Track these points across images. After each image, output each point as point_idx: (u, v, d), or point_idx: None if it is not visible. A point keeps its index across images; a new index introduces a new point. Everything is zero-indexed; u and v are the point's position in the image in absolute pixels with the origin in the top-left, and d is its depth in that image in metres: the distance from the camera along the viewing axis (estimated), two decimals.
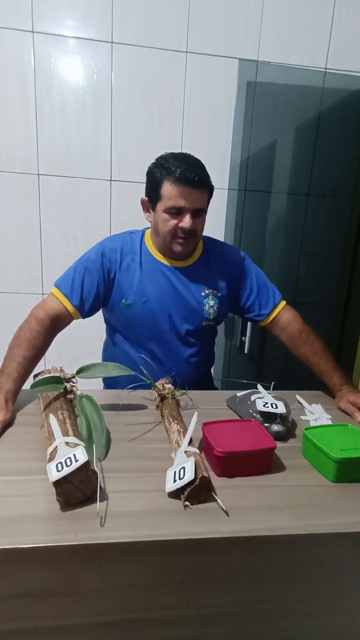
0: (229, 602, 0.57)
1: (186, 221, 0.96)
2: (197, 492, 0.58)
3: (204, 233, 1.13)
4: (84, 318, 1.06)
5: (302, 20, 1.59)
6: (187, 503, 0.58)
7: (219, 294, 1.08)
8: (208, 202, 1.02)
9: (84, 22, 1.50)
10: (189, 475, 0.57)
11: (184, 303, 1.05)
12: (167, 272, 1.05)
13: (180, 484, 0.57)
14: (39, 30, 1.49)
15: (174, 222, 0.97)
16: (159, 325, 1.05)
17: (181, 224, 0.96)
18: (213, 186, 1.02)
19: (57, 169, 1.60)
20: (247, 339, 1.68)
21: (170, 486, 0.58)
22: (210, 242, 1.13)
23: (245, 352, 1.70)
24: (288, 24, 1.59)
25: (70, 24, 1.50)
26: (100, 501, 0.56)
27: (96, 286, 1.03)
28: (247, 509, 0.58)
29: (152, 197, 0.99)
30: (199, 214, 0.98)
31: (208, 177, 0.99)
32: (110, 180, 1.64)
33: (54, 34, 1.50)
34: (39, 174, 1.61)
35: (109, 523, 0.53)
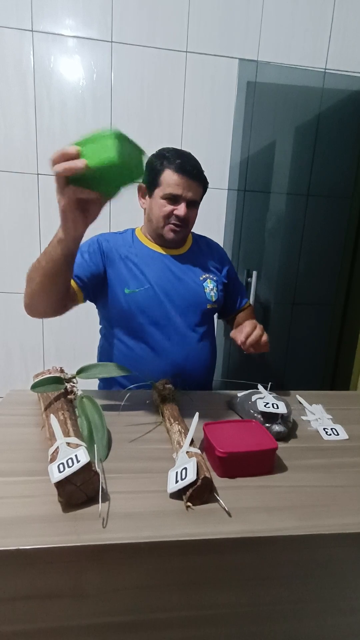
0: (231, 603, 0.57)
1: (181, 208, 1.02)
2: (199, 492, 0.58)
3: (199, 232, 1.19)
4: (83, 293, 1.02)
5: (302, 21, 1.59)
6: (189, 504, 0.58)
7: (215, 278, 1.13)
8: (201, 197, 1.07)
9: (84, 21, 1.50)
10: (191, 476, 0.57)
11: (185, 287, 1.08)
12: (164, 259, 1.09)
13: (182, 484, 0.57)
14: (38, 29, 1.49)
15: (169, 207, 1.02)
16: (164, 311, 1.06)
17: (176, 211, 1.02)
18: (208, 183, 1.07)
19: None
20: None
21: (172, 487, 0.58)
22: (197, 235, 1.21)
23: (245, 352, 1.70)
24: (288, 24, 1.59)
25: (70, 23, 1.50)
26: (102, 502, 0.56)
27: (96, 264, 1.04)
28: (249, 510, 0.58)
29: (151, 183, 1.03)
30: (193, 205, 1.04)
31: (204, 173, 1.05)
32: None
33: (53, 33, 1.50)
34: (38, 174, 1.60)
35: (111, 524, 0.53)
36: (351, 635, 0.62)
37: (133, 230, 1.15)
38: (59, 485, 0.54)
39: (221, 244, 1.29)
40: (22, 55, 1.51)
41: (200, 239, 1.20)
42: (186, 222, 1.05)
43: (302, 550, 0.56)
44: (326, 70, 1.64)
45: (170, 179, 1.00)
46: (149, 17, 1.52)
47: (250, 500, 0.60)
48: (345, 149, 1.70)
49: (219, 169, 1.67)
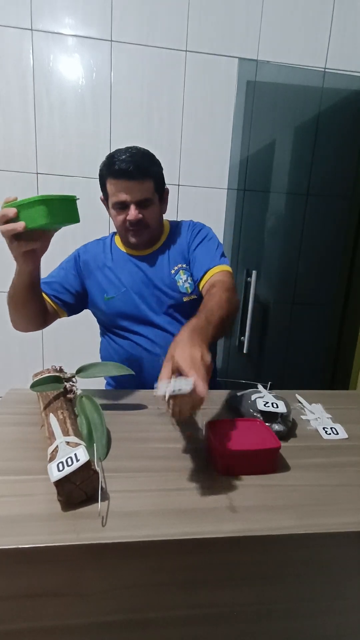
0: (231, 602, 0.57)
1: (131, 213, 0.98)
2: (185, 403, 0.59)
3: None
4: (64, 310, 1.09)
5: (302, 20, 1.59)
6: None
7: (187, 267, 1.08)
8: (157, 191, 1.01)
9: (83, 20, 1.50)
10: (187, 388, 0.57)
11: (155, 286, 1.06)
12: (136, 261, 1.09)
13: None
14: (37, 28, 1.49)
15: (121, 216, 1.00)
16: (142, 313, 1.06)
17: (127, 217, 0.99)
18: (159, 173, 1.02)
19: (55, 168, 1.60)
20: (245, 339, 1.68)
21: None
22: (175, 224, 1.15)
23: (244, 351, 1.70)
24: (288, 24, 1.59)
25: (70, 22, 1.50)
26: (101, 501, 0.56)
27: (69, 282, 1.08)
28: (249, 509, 0.58)
29: (104, 195, 1.04)
30: (146, 204, 0.99)
31: (150, 165, 0.98)
32: None
33: (53, 32, 1.50)
34: (37, 173, 1.60)
35: (111, 523, 0.53)
36: (351, 634, 0.62)
37: (113, 234, 1.15)
38: (59, 484, 0.54)
39: None
40: (22, 54, 1.50)
41: (176, 228, 1.13)
42: (144, 224, 1.01)
43: (302, 549, 0.56)
44: (326, 70, 1.64)
45: (111, 187, 0.97)
46: (149, 16, 1.52)
47: (249, 499, 0.60)
48: (345, 149, 1.70)
49: (218, 169, 1.67)
